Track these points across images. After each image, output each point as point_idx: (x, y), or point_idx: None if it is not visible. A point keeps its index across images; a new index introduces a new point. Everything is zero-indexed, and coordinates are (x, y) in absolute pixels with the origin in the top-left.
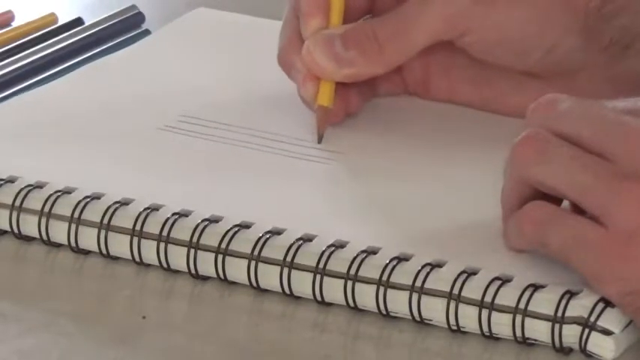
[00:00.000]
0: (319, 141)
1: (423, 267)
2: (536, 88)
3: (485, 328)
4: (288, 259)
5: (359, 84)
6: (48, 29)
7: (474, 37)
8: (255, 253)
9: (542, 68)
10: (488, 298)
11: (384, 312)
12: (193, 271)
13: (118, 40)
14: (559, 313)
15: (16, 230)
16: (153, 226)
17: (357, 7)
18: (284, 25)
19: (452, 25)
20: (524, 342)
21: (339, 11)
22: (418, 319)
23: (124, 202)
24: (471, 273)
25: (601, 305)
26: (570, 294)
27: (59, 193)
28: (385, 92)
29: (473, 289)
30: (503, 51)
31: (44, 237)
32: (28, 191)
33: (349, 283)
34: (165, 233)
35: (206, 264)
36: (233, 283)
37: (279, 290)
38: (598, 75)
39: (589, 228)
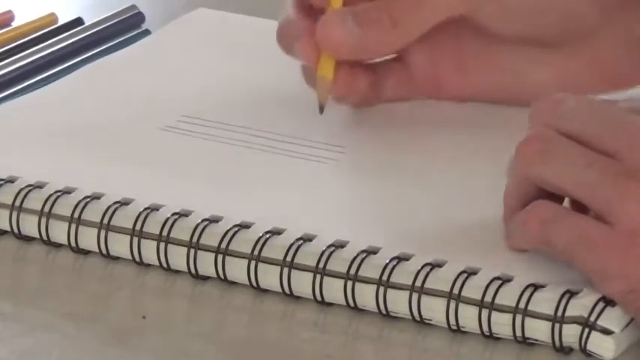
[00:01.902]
0: (320, 112)
1: (423, 267)
2: (554, 61)
3: (485, 328)
4: (288, 259)
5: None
6: (48, 29)
7: (489, 9)
8: (255, 253)
9: (560, 34)
10: (488, 298)
11: (384, 312)
12: (193, 271)
13: (118, 40)
14: (559, 313)
15: (16, 230)
16: (153, 226)
17: None
18: (285, 2)
19: None
20: (524, 342)
21: None
22: (418, 319)
23: (124, 202)
24: (471, 273)
25: (601, 305)
26: (570, 293)
27: (59, 193)
28: (394, 95)
29: (473, 289)
30: (520, 19)
31: (44, 237)
32: (28, 191)
33: (349, 283)
34: (165, 233)
35: (206, 264)
36: (233, 283)
37: (279, 290)
38: (620, 38)
39: (594, 226)
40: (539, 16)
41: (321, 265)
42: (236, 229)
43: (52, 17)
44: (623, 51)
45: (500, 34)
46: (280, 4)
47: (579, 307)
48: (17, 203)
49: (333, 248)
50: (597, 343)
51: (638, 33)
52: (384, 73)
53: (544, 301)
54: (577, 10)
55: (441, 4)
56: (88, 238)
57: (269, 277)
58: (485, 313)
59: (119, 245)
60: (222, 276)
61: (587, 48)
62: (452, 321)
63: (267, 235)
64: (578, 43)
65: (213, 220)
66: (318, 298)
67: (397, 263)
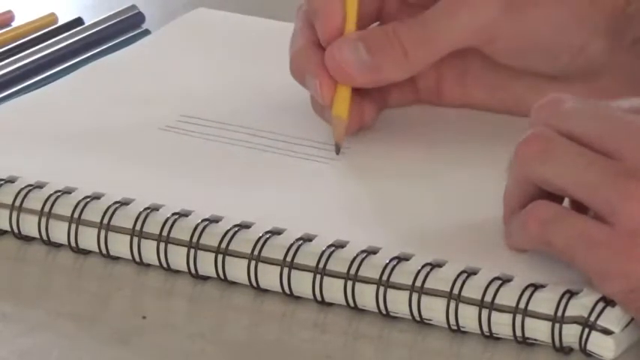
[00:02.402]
0: (337, 152)
1: (423, 267)
2: (554, 90)
3: (485, 328)
4: (288, 259)
5: (372, 95)
6: (48, 29)
7: (501, 45)
8: (255, 253)
9: (568, 71)
10: (488, 298)
11: (384, 312)
12: (193, 271)
13: (118, 40)
14: (559, 313)
15: (16, 230)
16: (153, 226)
17: (365, 13)
18: (295, 33)
19: (480, 34)
20: (524, 342)
21: (354, 16)
22: (418, 319)
23: (124, 202)
24: (470, 273)
25: (601, 305)
26: (570, 293)
27: (59, 193)
28: (397, 102)
29: (473, 289)
30: (531, 56)
31: (44, 237)
32: (28, 191)
33: (349, 283)
34: (165, 233)
35: (206, 264)
36: (233, 283)
37: (279, 290)
38: (621, 76)
39: (594, 226)
40: (552, 56)
41: (321, 265)
42: (236, 229)
43: (52, 17)
44: (626, 88)
45: (509, 65)
46: (280, 4)
47: (579, 307)
48: (17, 203)
49: (333, 248)
50: (597, 343)
51: (638, 71)
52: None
53: (544, 301)
54: (590, 50)
55: (453, 36)
56: (88, 238)
57: (269, 277)
58: (485, 313)
59: (119, 245)
60: (222, 276)
61: (591, 82)
62: (452, 321)
63: (267, 235)
64: (583, 78)
65: (213, 220)
66: (318, 298)
67: (397, 263)
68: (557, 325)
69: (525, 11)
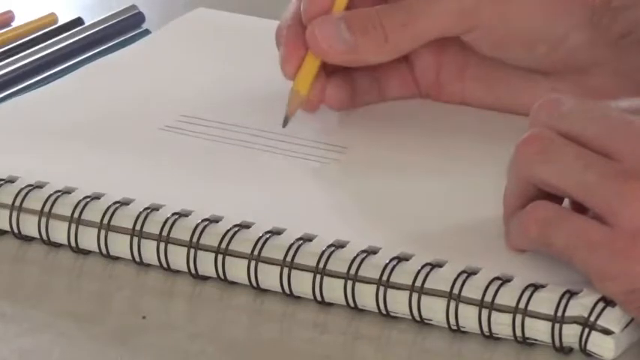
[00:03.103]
0: (284, 125)
1: (423, 267)
2: (547, 87)
3: (485, 328)
4: (288, 259)
5: (357, 83)
6: (48, 29)
7: (481, 33)
8: (255, 253)
9: (549, 64)
10: (488, 298)
11: (384, 312)
12: (193, 271)
13: (118, 40)
14: (559, 313)
15: (16, 230)
16: (153, 226)
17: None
18: (290, 4)
19: (460, 20)
20: (524, 342)
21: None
22: (418, 319)
23: (124, 202)
24: (470, 273)
25: (601, 305)
26: (570, 294)
27: (59, 193)
28: (395, 95)
29: (473, 289)
30: (510, 46)
31: (44, 237)
32: (28, 191)
33: (349, 283)
34: (165, 233)
35: (206, 264)
36: (233, 283)
37: (279, 290)
38: (609, 71)
39: (593, 227)
40: (526, 47)
41: (321, 265)
42: (236, 229)
43: (52, 17)
44: (613, 82)
45: (490, 57)
46: (280, 4)
47: (579, 307)
48: (17, 203)
49: (333, 248)
50: (597, 343)
51: (626, 66)
52: (388, 73)
53: (544, 301)
54: (570, 43)
55: (434, 24)
56: (88, 238)
57: (269, 277)
58: (485, 313)
59: (119, 245)
60: (222, 276)
61: (582, 78)
62: (452, 321)
63: (267, 235)
64: (573, 73)
65: (213, 220)
66: (318, 298)
67: (397, 263)
68: (557, 325)
69: (506, 0)
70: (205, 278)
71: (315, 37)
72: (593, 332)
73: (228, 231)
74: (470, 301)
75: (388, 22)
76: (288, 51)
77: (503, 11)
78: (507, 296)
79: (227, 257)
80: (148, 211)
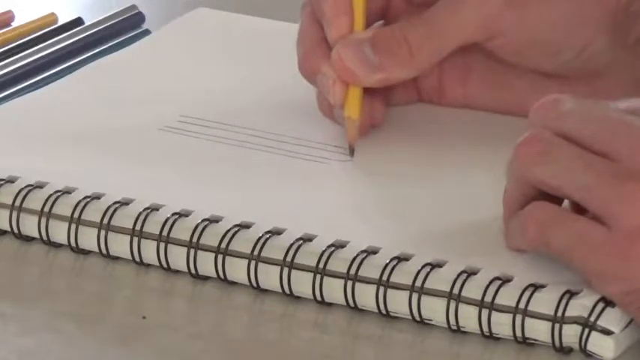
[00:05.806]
0: (351, 154)
1: (423, 267)
2: (556, 89)
3: (485, 328)
4: (288, 259)
5: (379, 93)
6: (48, 29)
7: (505, 40)
8: (255, 253)
9: (571, 69)
10: (488, 298)
11: (384, 312)
12: (193, 271)
13: (118, 40)
14: (559, 313)
15: (16, 230)
16: (153, 226)
17: (371, 12)
18: (302, 32)
19: (484, 28)
20: (524, 342)
21: (362, 16)
22: (418, 319)
23: (124, 202)
24: (470, 273)
25: (601, 305)
26: (570, 294)
27: (59, 193)
28: (399, 101)
29: (473, 289)
30: (534, 52)
31: (44, 237)
32: (28, 191)
33: (349, 283)
34: (165, 233)
35: (206, 264)
36: (233, 283)
37: (279, 290)
38: (624, 75)
39: (592, 228)
40: (554, 54)
41: (321, 265)
42: (236, 229)
43: (52, 17)
44: (629, 88)
45: (511, 62)
46: (280, 4)
47: (579, 307)
48: (17, 203)
49: (333, 248)
50: (597, 343)
51: None
52: None
53: (544, 301)
54: (593, 49)
55: (457, 33)
56: (88, 238)
57: (269, 277)
58: (485, 313)
59: (119, 245)
60: (222, 276)
61: (594, 82)
62: (452, 321)
63: (267, 235)
64: (586, 77)
65: (213, 220)
66: (318, 298)
67: (397, 263)
68: (557, 326)
69: (528, 7)
70: (205, 278)
71: (341, 62)
72: (593, 332)
73: (228, 231)
74: (470, 301)
75: (412, 37)
76: (338, 80)
77: (526, 18)
78: (507, 296)
79: (227, 257)
80: (148, 211)
